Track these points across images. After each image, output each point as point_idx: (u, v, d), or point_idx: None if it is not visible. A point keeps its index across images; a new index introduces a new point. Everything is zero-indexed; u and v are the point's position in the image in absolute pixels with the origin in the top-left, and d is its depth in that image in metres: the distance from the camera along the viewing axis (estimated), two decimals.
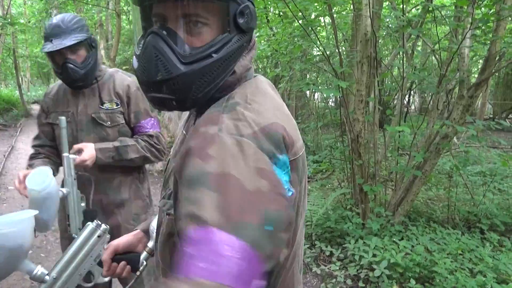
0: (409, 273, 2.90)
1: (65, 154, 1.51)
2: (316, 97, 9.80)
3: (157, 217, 0.98)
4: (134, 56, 0.79)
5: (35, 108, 19.57)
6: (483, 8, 3.60)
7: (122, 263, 1.05)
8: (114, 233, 1.65)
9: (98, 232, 1.06)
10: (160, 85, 0.72)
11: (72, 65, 1.60)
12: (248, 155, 0.63)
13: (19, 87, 17.90)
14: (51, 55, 1.61)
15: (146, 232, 1.09)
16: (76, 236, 1.08)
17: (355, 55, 4.14)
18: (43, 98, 1.89)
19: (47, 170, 1.37)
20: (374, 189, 3.55)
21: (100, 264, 1.06)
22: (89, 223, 1.06)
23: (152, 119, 1.79)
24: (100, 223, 1.07)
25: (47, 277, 0.95)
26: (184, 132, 0.90)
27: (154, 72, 0.71)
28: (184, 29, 0.72)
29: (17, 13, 19.75)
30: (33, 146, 1.85)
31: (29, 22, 15.70)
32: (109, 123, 1.73)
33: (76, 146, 1.59)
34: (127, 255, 1.06)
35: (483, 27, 3.32)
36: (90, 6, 11.59)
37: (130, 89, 1.76)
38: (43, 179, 1.31)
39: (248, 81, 0.82)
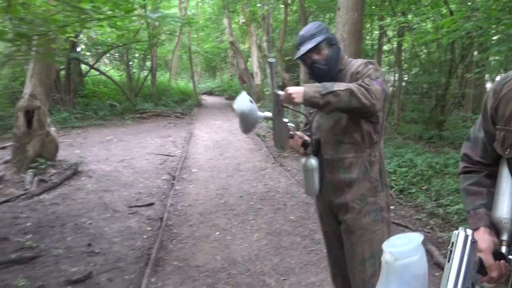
0: None
1: (272, 90, 1.71)
2: None
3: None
4: None
5: (205, 98, 21.92)
6: None
7: (502, 262, 1.06)
8: (342, 210, 1.86)
9: (471, 238, 0.99)
10: None
11: (317, 65, 1.82)
12: None
13: (192, 80, 20.24)
14: (301, 60, 1.86)
15: (489, 226, 1.13)
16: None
17: None
18: None
19: (245, 96, 1.75)
20: None
21: (479, 271, 1.04)
22: (458, 231, 1.00)
23: (374, 80, 1.71)
24: (466, 228, 1.03)
25: None
26: None
27: None
28: None
29: (191, 14, 22.21)
30: None
31: (209, 19, 17.37)
32: None
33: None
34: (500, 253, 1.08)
35: None
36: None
37: (359, 66, 1.81)
38: (242, 102, 1.72)
39: None
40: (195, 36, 22.55)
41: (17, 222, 4.28)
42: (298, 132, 1.87)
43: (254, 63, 15.80)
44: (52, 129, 6.50)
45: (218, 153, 7.87)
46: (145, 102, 15.34)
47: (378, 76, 1.73)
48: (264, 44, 15.24)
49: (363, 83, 1.65)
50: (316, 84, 1.69)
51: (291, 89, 1.63)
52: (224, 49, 24.53)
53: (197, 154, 7.84)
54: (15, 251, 3.57)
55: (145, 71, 17.14)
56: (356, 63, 1.84)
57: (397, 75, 11.88)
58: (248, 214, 4.41)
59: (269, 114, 1.80)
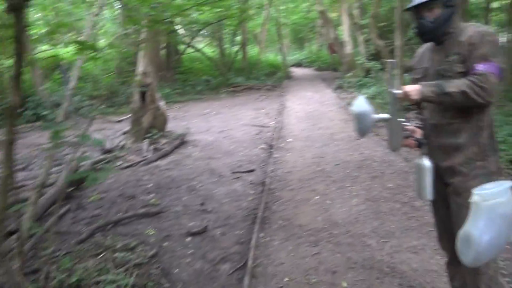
0: None
1: (389, 90, 1.78)
2: None
3: None
4: None
5: (293, 70, 21.96)
6: None
7: None
8: (449, 173, 1.89)
9: None
10: None
11: (423, 21, 1.83)
12: None
13: (281, 52, 20.38)
14: (412, 13, 1.88)
15: None
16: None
17: None
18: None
19: (363, 99, 1.86)
20: None
21: None
22: None
23: (489, 63, 1.67)
24: None
25: None
26: None
27: None
28: None
29: None
30: None
31: None
32: (449, 74, 1.78)
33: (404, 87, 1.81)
34: None
35: None
36: None
37: (473, 36, 1.73)
38: (359, 103, 1.84)
39: None
40: (283, 7, 22.44)
41: (140, 184, 4.95)
42: (411, 127, 1.92)
43: (345, 32, 15.31)
44: (162, 103, 7.22)
45: (311, 124, 8.00)
46: (237, 76, 15.95)
47: (494, 54, 1.69)
48: (355, 11, 14.66)
49: (477, 81, 1.64)
50: (431, 83, 1.76)
51: (408, 88, 1.74)
52: (312, 19, 24.04)
53: (290, 125, 8.06)
54: (142, 207, 4.18)
55: (235, 46, 17.70)
56: (468, 30, 1.78)
57: (509, 35, 10.66)
58: (345, 181, 4.52)
59: (385, 115, 1.86)
